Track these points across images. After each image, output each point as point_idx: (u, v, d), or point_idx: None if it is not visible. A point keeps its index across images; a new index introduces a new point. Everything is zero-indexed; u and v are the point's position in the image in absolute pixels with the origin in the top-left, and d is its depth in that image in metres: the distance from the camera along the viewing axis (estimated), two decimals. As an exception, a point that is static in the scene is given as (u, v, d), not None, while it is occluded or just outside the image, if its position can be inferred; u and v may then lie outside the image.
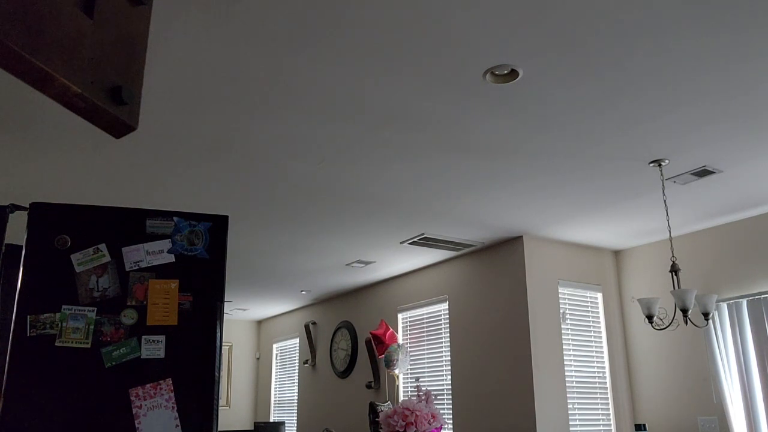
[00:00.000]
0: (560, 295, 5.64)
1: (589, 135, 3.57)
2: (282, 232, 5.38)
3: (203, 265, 2.34)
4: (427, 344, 6.56)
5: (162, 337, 2.23)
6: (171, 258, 2.31)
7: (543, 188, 4.40)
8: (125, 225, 2.29)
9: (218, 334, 2.31)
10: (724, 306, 5.07)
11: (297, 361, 9.03)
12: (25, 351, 2.10)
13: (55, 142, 3.58)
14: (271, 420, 9.50)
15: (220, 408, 2.45)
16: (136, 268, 2.26)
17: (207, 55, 2.75)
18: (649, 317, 4.09)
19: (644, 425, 5.00)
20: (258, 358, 10.24)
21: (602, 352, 5.76)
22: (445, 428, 6.01)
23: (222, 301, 2.35)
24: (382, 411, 4.25)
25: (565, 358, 5.47)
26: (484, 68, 2.87)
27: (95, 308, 2.19)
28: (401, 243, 5.71)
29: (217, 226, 2.40)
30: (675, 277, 4.06)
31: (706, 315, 4.02)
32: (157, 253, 2.29)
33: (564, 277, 5.69)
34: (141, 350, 2.20)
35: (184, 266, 2.31)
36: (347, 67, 2.86)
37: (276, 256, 6.18)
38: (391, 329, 6.71)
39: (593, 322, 5.81)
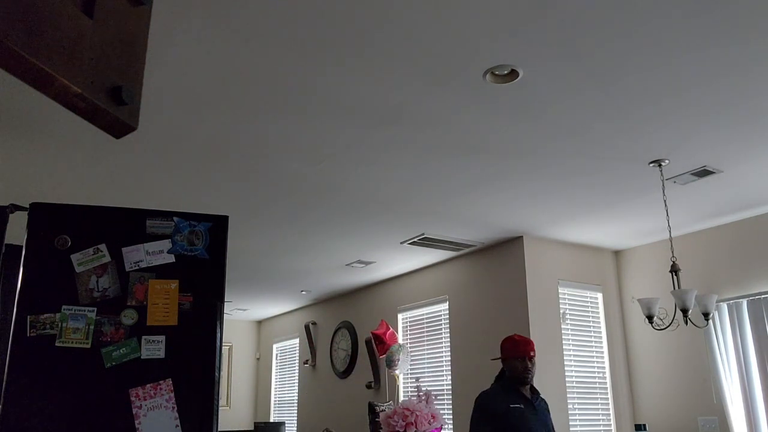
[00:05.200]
0: (560, 295, 5.63)
1: (589, 135, 3.57)
2: (282, 233, 5.38)
3: (203, 265, 2.34)
4: (427, 344, 6.55)
5: (162, 338, 2.23)
6: (171, 258, 2.31)
7: (543, 188, 4.40)
8: (125, 225, 2.29)
9: (218, 335, 2.31)
10: (724, 306, 5.06)
11: (297, 361, 9.03)
12: (25, 351, 2.10)
13: (55, 142, 3.58)
14: (271, 420, 9.50)
15: (220, 408, 2.45)
16: (136, 268, 2.26)
17: (207, 55, 2.75)
18: (649, 317, 4.08)
19: (644, 425, 5.00)
20: (258, 359, 10.24)
21: (602, 352, 5.76)
22: (445, 428, 6.00)
23: (222, 301, 2.34)
24: (381, 411, 4.25)
25: (565, 358, 5.47)
26: (484, 68, 2.87)
27: (95, 308, 2.19)
28: (401, 243, 5.71)
29: (217, 226, 2.39)
30: (675, 277, 4.06)
31: (706, 315, 4.02)
32: (157, 253, 2.29)
33: (564, 277, 5.69)
34: (141, 350, 2.20)
35: (184, 266, 2.31)
36: (347, 67, 2.86)
37: (276, 256, 6.18)
38: (391, 329, 6.71)
39: (593, 322, 5.81)
